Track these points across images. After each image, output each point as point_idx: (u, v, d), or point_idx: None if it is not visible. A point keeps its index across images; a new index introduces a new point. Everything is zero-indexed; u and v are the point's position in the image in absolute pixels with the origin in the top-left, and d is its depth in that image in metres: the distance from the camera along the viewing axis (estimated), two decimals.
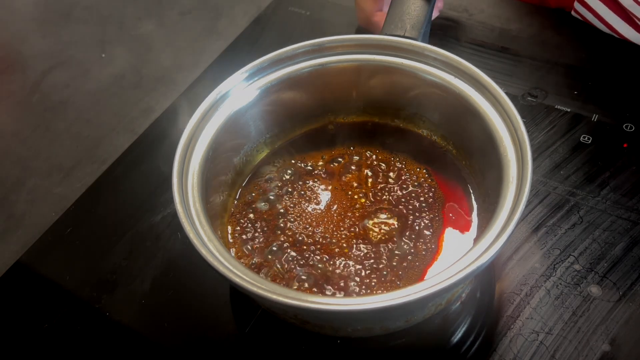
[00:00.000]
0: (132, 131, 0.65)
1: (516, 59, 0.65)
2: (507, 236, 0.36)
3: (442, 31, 0.68)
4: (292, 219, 0.48)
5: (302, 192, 0.50)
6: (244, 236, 0.48)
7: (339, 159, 0.52)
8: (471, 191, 0.48)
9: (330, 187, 0.50)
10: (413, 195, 0.49)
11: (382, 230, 0.47)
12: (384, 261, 0.45)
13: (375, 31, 0.63)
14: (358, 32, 0.68)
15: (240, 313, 0.49)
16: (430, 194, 0.49)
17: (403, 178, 0.50)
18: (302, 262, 0.45)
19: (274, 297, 0.35)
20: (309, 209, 0.49)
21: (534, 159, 0.52)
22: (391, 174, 0.51)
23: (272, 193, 0.50)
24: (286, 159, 0.53)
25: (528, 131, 0.41)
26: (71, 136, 0.67)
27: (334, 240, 0.46)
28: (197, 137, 0.45)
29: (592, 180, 0.53)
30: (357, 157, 0.52)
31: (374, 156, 0.52)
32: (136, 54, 0.77)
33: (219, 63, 0.70)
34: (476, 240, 0.41)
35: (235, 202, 0.50)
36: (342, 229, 0.47)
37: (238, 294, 0.49)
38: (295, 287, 0.44)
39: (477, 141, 0.46)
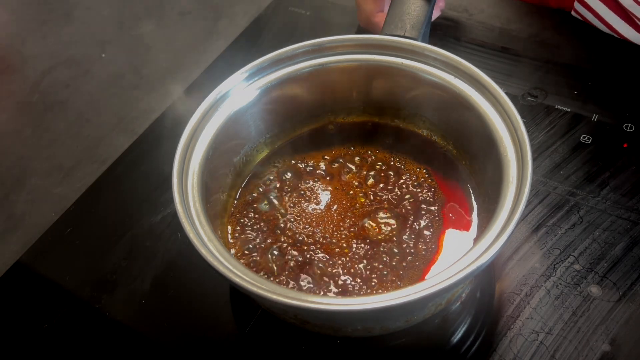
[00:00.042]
0: (132, 131, 0.65)
1: (516, 59, 0.65)
2: (507, 236, 0.36)
3: (442, 31, 0.68)
4: (292, 219, 0.48)
5: (302, 192, 0.50)
6: (243, 236, 0.48)
7: (339, 159, 0.52)
8: (471, 191, 0.48)
9: (330, 187, 0.50)
10: (413, 195, 0.49)
11: (382, 230, 0.47)
12: (384, 261, 0.45)
13: (376, 32, 0.63)
14: (358, 32, 0.68)
15: (240, 313, 0.49)
16: (430, 194, 0.49)
17: (403, 178, 0.50)
18: (302, 262, 0.45)
19: (274, 297, 0.35)
20: (309, 209, 0.49)
21: (534, 159, 0.52)
22: (391, 173, 0.51)
23: (272, 193, 0.50)
24: (286, 159, 0.53)
25: (528, 131, 0.41)
26: (71, 136, 0.67)
27: (334, 240, 0.46)
28: (197, 137, 0.45)
29: (592, 180, 0.53)
30: (357, 157, 0.52)
31: (374, 156, 0.52)
32: (136, 54, 0.77)
33: (219, 63, 0.70)
34: (476, 240, 0.41)
35: (235, 202, 0.50)
36: (342, 228, 0.47)
37: (238, 294, 0.49)
38: (295, 287, 0.44)
39: (477, 141, 0.46)
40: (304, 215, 0.48)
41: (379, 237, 0.46)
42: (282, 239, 0.47)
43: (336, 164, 0.52)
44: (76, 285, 0.52)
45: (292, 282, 0.44)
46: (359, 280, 0.44)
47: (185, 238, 0.38)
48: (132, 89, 0.72)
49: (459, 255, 0.37)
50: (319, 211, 0.49)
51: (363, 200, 0.49)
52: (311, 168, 0.52)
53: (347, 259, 0.45)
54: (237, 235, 0.48)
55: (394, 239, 0.46)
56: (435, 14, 0.65)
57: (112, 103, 0.71)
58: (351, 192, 0.50)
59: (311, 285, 0.44)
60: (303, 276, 0.45)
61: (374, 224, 0.47)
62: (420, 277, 0.44)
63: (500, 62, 0.65)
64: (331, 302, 0.35)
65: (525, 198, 0.37)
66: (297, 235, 0.47)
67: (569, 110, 0.59)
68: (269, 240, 0.47)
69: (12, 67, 0.78)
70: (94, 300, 0.51)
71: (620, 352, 0.43)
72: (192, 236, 0.38)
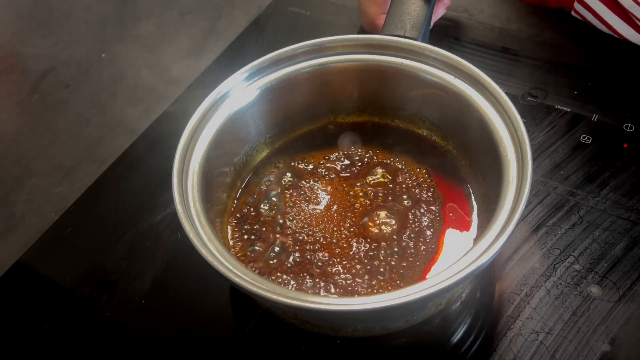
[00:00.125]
0: (132, 131, 0.65)
1: (516, 59, 0.65)
2: (507, 236, 0.36)
3: (442, 31, 0.68)
4: (292, 219, 0.48)
5: (302, 192, 0.50)
6: (244, 236, 0.48)
7: (339, 159, 0.52)
8: (471, 191, 0.48)
9: (330, 187, 0.50)
10: (413, 195, 0.49)
11: (382, 230, 0.47)
12: (384, 261, 0.45)
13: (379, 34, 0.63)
14: (359, 32, 0.68)
15: (240, 313, 0.49)
16: (430, 194, 0.49)
17: (403, 178, 0.50)
18: (302, 262, 0.45)
19: (274, 297, 0.35)
20: (309, 208, 0.49)
21: (534, 159, 0.52)
22: (391, 174, 0.51)
23: (272, 193, 0.50)
24: (286, 159, 0.53)
25: (528, 131, 0.41)
26: (71, 136, 0.67)
27: (334, 240, 0.46)
28: (197, 137, 0.45)
29: (592, 180, 0.53)
30: (357, 157, 0.52)
31: (374, 156, 0.52)
32: (136, 54, 0.77)
33: (219, 63, 0.70)
34: (476, 240, 0.41)
35: (235, 202, 0.50)
36: (342, 228, 0.47)
37: (238, 294, 0.49)
38: (295, 287, 0.44)
39: (477, 141, 0.46)
40: (304, 215, 0.48)
41: (379, 237, 0.46)
42: (282, 239, 0.47)
43: (336, 164, 0.52)
44: (76, 285, 0.52)
45: (292, 282, 0.44)
46: (359, 280, 0.44)
47: (185, 238, 0.38)
48: (132, 89, 0.72)
49: (459, 255, 0.37)
50: (319, 211, 0.49)
51: (363, 200, 0.49)
52: (311, 168, 0.52)
53: (347, 258, 0.45)
54: (237, 235, 0.48)
55: (394, 238, 0.46)
56: (440, 11, 0.65)
57: (112, 103, 0.71)
58: (351, 192, 0.50)
59: (311, 285, 0.44)
60: (303, 276, 0.45)
61: (374, 224, 0.47)
62: (420, 277, 0.44)
63: (500, 62, 0.65)
64: (331, 302, 0.35)
65: (525, 198, 0.37)
66: (297, 235, 0.47)
67: (569, 110, 0.59)
68: (269, 240, 0.47)
69: (12, 67, 0.78)
70: (94, 300, 0.51)
71: (620, 352, 0.43)
72: (192, 236, 0.38)
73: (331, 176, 0.51)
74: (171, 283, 0.51)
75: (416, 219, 0.47)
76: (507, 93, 0.43)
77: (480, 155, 0.46)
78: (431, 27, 0.63)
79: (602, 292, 0.46)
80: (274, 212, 0.49)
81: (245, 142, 0.51)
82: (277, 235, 0.47)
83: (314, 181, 0.51)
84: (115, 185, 0.60)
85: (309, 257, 0.46)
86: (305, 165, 0.52)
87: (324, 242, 0.46)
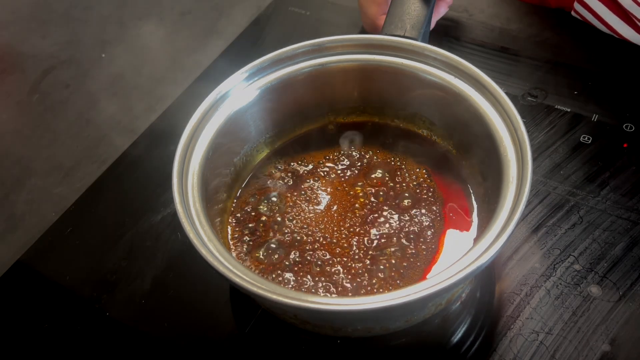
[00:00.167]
0: (132, 131, 0.65)
1: (516, 59, 0.65)
2: (507, 236, 0.36)
3: (442, 31, 0.68)
4: (292, 219, 0.48)
5: (302, 192, 0.50)
6: (244, 236, 0.48)
7: (339, 159, 0.52)
8: (471, 191, 0.48)
9: (330, 187, 0.50)
10: (413, 195, 0.49)
11: (382, 230, 0.47)
12: (384, 261, 0.45)
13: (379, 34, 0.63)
14: (360, 32, 0.68)
15: (240, 313, 0.49)
16: (430, 194, 0.49)
17: (403, 178, 0.50)
18: (302, 262, 0.45)
19: (274, 297, 0.35)
20: (309, 208, 0.49)
21: (534, 159, 0.52)
22: (391, 174, 0.50)
23: (272, 193, 0.50)
24: (286, 159, 0.53)
25: (528, 131, 0.41)
26: (71, 136, 0.67)
27: (334, 240, 0.46)
28: (197, 137, 0.45)
29: (592, 180, 0.53)
30: (357, 157, 0.52)
31: (374, 156, 0.52)
32: (136, 54, 0.77)
33: (219, 63, 0.70)
34: (476, 240, 0.41)
35: (235, 202, 0.50)
36: (342, 228, 0.47)
37: (238, 294, 0.49)
38: (295, 287, 0.44)
39: (477, 141, 0.46)
40: (304, 215, 0.48)
41: (379, 236, 0.46)
42: (282, 239, 0.47)
43: (336, 164, 0.52)
44: (76, 285, 0.52)
45: (292, 282, 0.44)
46: (359, 280, 0.44)
47: (185, 238, 0.38)
48: (132, 89, 0.72)
49: (459, 255, 0.37)
50: (319, 211, 0.49)
51: (363, 200, 0.49)
52: (311, 168, 0.52)
53: (347, 258, 0.45)
54: (237, 235, 0.48)
55: (394, 238, 0.46)
56: (443, 10, 0.64)
57: (112, 103, 0.71)
58: (351, 192, 0.50)
59: (311, 285, 0.44)
60: (303, 276, 0.45)
61: (373, 224, 0.47)
62: (421, 277, 0.44)
63: (500, 62, 0.65)
64: (331, 302, 0.35)
65: (525, 198, 0.37)
66: (297, 235, 0.47)
67: (569, 110, 0.59)
68: (269, 240, 0.47)
69: (12, 67, 0.78)
70: (94, 300, 0.51)
71: (620, 352, 0.43)
72: (192, 236, 0.38)
73: (331, 176, 0.51)
74: (171, 283, 0.51)
75: (416, 219, 0.47)
76: (507, 93, 0.43)
77: (480, 155, 0.46)
78: (433, 26, 0.63)
79: (602, 292, 0.46)
80: (274, 212, 0.49)
81: (245, 142, 0.51)
82: (277, 235, 0.47)
83: (314, 181, 0.51)
84: (115, 185, 0.60)
85: (309, 257, 0.46)
86: (305, 165, 0.52)
87: (324, 242, 0.46)
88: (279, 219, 0.48)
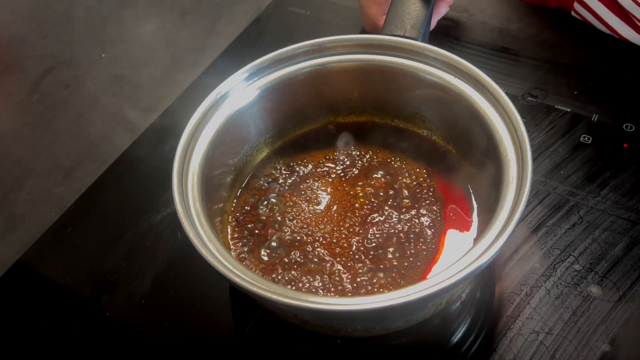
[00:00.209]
0: (132, 131, 0.65)
1: (516, 59, 0.65)
2: (507, 236, 0.36)
3: (442, 31, 0.68)
4: (292, 219, 0.48)
5: (302, 192, 0.50)
6: (243, 236, 0.48)
7: (339, 159, 0.52)
8: (471, 191, 0.48)
9: (330, 187, 0.50)
10: (413, 195, 0.49)
11: (382, 230, 0.47)
12: (384, 261, 0.45)
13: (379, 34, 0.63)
14: (361, 33, 0.68)
15: (240, 313, 0.49)
16: (431, 194, 0.49)
17: (403, 178, 0.50)
18: (302, 262, 0.45)
19: (274, 297, 0.35)
20: (309, 209, 0.49)
21: (534, 159, 0.52)
22: (391, 174, 0.50)
23: (272, 193, 0.50)
24: (286, 159, 0.53)
25: (528, 131, 0.41)
26: (71, 136, 0.67)
27: (334, 240, 0.46)
28: (197, 137, 0.45)
29: (592, 180, 0.53)
30: (357, 157, 0.52)
31: (374, 156, 0.52)
32: (136, 54, 0.77)
33: (219, 63, 0.70)
34: (476, 240, 0.41)
35: (235, 202, 0.50)
36: (342, 228, 0.47)
37: (238, 294, 0.49)
38: (295, 287, 0.44)
39: (477, 141, 0.46)
40: (304, 215, 0.48)
41: (379, 236, 0.46)
42: (282, 239, 0.47)
43: (336, 164, 0.52)
44: (76, 285, 0.52)
45: (292, 282, 0.44)
46: (359, 280, 0.44)
47: (185, 238, 0.38)
48: (132, 89, 0.72)
49: (459, 255, 0.37)
50: (319, 211, 0.49)
51: (363, 200, 0.49)
52: (311, 168, 0.52)
53: (347, 258, 0.45)
54: (237, 235, 0.48)
55: (394, 238, 0.46)
56: (443, 10, 0.64)
57: (112, 103, 0.71)
58: (351, 192, 0.50)
59: (311, 285, 0.44)
60: (303, 276, 0.45)
61: (374, 224, 0.47)
62: (421, 277, 0.44)
63: (500, 62, 0.65)
64: (331, 302, 0.35)
65: (525, 198, 0.37)
66: (297, 235, 0.47)
67: (569, 110, 0.59)
68: (269, 240, 0.47)
69: (12, 67, 0.78)
70: (94, 300, 0.51)
71: (620, 352, 0.43)
72: (192, 236, 0.38)
73: (331, 176, 0.51)
74: (171, 283, 0.51)
75: (416, 219, 0.47)
76: (507, 93, 0.43)
77: (480, 155, 0.46)
78: (434, 26, 0.63)
79: (602, 292, 0.46)
80: (273, 212, 0.49)
81: (245, 142, 0.51)
82: (277, 235, 0.47)
83: (314, 181, 0.51)
84: (115, 185, 0.60)
85: (309, 257, 0.46)
86: (305, 165, 0.52)
87: (324, 242, 0.46)
88: (278, 218, 0.48)
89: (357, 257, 0.45)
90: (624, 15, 0.62)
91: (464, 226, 0.47)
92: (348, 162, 0.52)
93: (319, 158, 0.53)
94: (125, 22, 0.82)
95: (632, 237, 0.49)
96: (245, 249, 0.47)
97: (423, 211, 0.48)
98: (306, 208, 0.49)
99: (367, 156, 0.52)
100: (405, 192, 0.49)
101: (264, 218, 0.49)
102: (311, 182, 0.51)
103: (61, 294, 0.52)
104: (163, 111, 0.66)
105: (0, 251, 0.56)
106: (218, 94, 0.47)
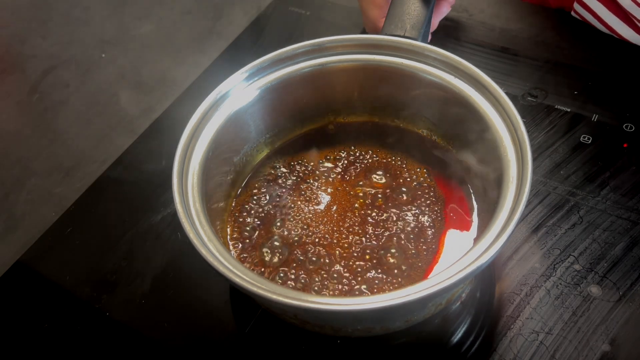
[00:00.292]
0: (132, 131, 0.65)
1: (516, 59, 0.65)
2: (507, 236, 0.36)
3: (442, 31, 0.68)
4: (292, 219, 0.48)
5: (302, 192, 0.50)
6: (243, 236, 0.48)
7: (339, 159, 0.52)
8: (471, 191, 0.48)
9: (330, 187, 0.50)
10: (413, 195, 0.49)
11: (382, 230, 0.47)
12: (384, 261, 0.45)
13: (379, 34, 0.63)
14: (361, 33, 0.68)
15: (240, 313, 0.49)
16: (431, 194, 0.49)
17: (403, 178, 0.50)
18: (302, 262, 0.45)
19: (274, 297, 0.35)
20: (309, 208, 0.49)
21: (534, 159, 0.52)
22: (391, 173, 0.50)
23: (272, 193, 0.50)
24: (286, 159, 0.53)
25: (528, 131, 0.41)
26: (71, 136, 0.67)
27: (334, 240, 0.46)
28: (197, 137, 0.45)
29: (592, 180, 0.53)
30: (357, 157, 0.52)
31: (374, 156, 0.52)
32: (136, 54, 0.77)
33: (219, 63, 0.70)
34: (476, 240, 0.41)
35: (235, 201, 0.50)
36: (342, 228, 0.47)
37: (238, 294, 0.49)
38: (295, 286, 0.44)
39: (477, 141, 0.46)
40: (304, 215, 0.48)
41: (379, 236, 0.46)
42: (282, 239, 0.47)
43: (336, 164, 0.52)
44: (76, 285, 0.52)
45: (292, 282, 0.44)
46: (359, 280, 0.44)
47: (185, 238, 0.38)
48: (132, 89, 0.72)
49: (459, 255, 0.37)
50: (319, 211, 0.49)
51: (363, 200, 0.49)
52: (311, 168, 0.52)
53: (347, 258, 0.45)
54: (237, 235, 0.48)
55: (395, 238, 0.46)
56: (445, 10, 0.64)
57: (112, 103, 0.71)
58: (351, 192, 0.50)
59: (311, 285, 0.44)
60: (303, 276, 0.45)
61: (374, 224, 0.47)
62: (421, 277, 0.44)
63: (500, 62, 0.65)
64: (331, 302, 0.35)
65: (525, 198, 0.37)
66: (297, 235, 0.47)
67: (569, 110, 0.59)
68: (269, 240, 0.47)
69: (12, 67, 0.78)
70: (94, 300, 0.51)
71: (620, 352, 0.43)
72: (192, 236, 0.38)
73: (331, 176, 0.51)
74: (171, 283, 0.51)
75: (416, 219, 0.47)
76: (507, 93, 0.43)
77: (480, 155, 0.46)
78: (436, 26, 0.63)
79: (602, 292, 0.46)
80: (274, 212, 0.49)
81: (245, 142, 0.51)
82: (277, 235, 0.47)
83: (314, 181, 0.51)
84: (115, 185, 0.60)
85: (309, 256, 0.46)
86: (306, 165, 0.52)
87: (324, 242, 0.46)
88: (279, 218, 0.48)
89: (357, 256, 0.45)
90: (624, 15, 0.62)
91: (464, 226, 0.47)
92: (348, 162, 0.52)
93: (319, 158, 0.53)
94: (125, 22, 0.82)
95: (632, 237, 0.49)
96: (246, 249, 0.47)
97: (423, 211, 0.48)
98: (306, 208, 0.49)
99: (367, 156, 0.52)
100: (406, 192, 0.49)
101: (264, 218, 0.49)
102: (311, 182, 0.51)
103: (61, 294, 0.52)
104: (163, 111, 0.66)
105: (0, 251, 0.56)
106: (218, 94, 0.47)
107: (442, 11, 0.64)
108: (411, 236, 0.46)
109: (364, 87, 0.52)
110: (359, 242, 0.46)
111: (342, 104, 0.54)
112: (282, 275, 0.45)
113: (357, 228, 0.47)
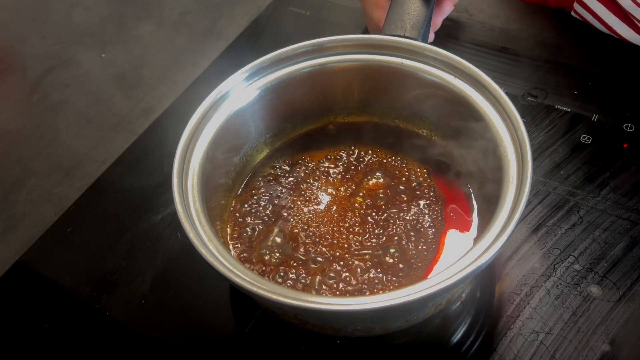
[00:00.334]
0: (132, 131, 0.65)
1: (516, 59, 0.65)
2: (507, 236, 0.36)
3: (442, 31, 0.68)
4: (292, 219, 0.48)
5: (302, 192, 0.50)
6: (243, 236, 0.48)
7: (339, 159, 0.52)
8: (471, 191, 0.48)
9: (330, 187, 0.50)
10: (413, 195, 0.49)
11: (382, 230, 0.47)
12: (384, 261, 0.45)
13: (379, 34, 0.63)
14: (364, 33, 0.68)
15: (240, 313, 0.49)
16: (431, 194, 0.49)
17: (403, 178, 0.50)
18: (302, 262, 0.45)
19: (274, 297, 0.35)
20: (309, 208, 0.49)
21: (534, 159, 0.52)
22: (391, 173, 0.50)
23: (272, 193, 0.50)
24: (286, 159, 0.53)
25: (528, 131, 0.41)
26: (71, 136, 0.67)
27: (334, 240, 0.46)
28: (197, 137, 0.45)
29: (592, 180, 0.53)
30: (358, 157, 0.52)
31: (374, 156, 0.52)
32: (136, 54, 0.77)
33: (219, 63, 0.70)
34: (476, 240, 0.41)
35: (235, 201, 0.50)
36: (342, 228, 0.47)
37: (238, 294, 0.49)
38: (295, 287, 0.44)
39: (477, 141, 0.46)
40: (304, 215, 0.48)
41: (379, 236, 0.46)
42: (282, 239, 0.47)
43: (336, 164, 0.52)
44: (76, 285, 0.52)
45: (292, 282, 0.44)
46: (359, 279, 0.44)
47: (185, 238, 0.38)
48: (132, 89, 0.72)
49: (459, 255, 0.37)
50: (319, 211, 0.49)
51: (363, 200, 0.49)
52: (311, 168, 0.52)
53: (348, 258, 0.45)
54: (236, 235, 0.48)
55: (395, 238, 0.46)
56: (448, 9, 0.63)
57: (112, 103, 0.71)
58: (351, 192, 0.50)
59: (311, 285, 0.44)
60: (303, 275, 0.45)
61: (374, 224, 0.47)
62: (422, 277, 0.44)
63: (500, 62, 0.65)
64: (331, 302, 0.35)
65: (525, 198, 0.37)
66: (297, 235, 0.47)
67: (569, 110, 0.59)
68: (269, 240, 0.47)
69: (12, 67, 0.78)
70: (94, 300, 0.51)
71: (620, 352, 0.43)
72: (192, 236, 0.38)
73: (331, 176, 0.51)
74: (171, 283, 0.51)
75: (416, 219, 0.47)
76: (507, 93, 0.43)
77: (480, 155, 0.46)
78: (439, 25, 0.63)
79: (602, 292, 0.46)
80: (273, 211, 0.49)
81: (245, 142, 0.51)
82: (277, 235, 0.47)
83: (314, 181, 0.51)
84: (115, 185, 0.60)
85: (309, 256, 0.46)
86: (305, 166, 0.52)
87: (324, 242, 0.46)
88: (278, 218, 0.48)
89: (357, 256, 0.45)
90: (624, 15, 0.62)
91: (464, 226, 0.47)
92: (348, 162, 0.52)
93: (319, 158, 0.53)
94: (125, 22, 0.82)
95: (632, 237, 0.49)
96: (245, 249, 0.47)
97: (423, 211, 0.48)
98: (306, 208, 0.49)
99: (367, 156, 0.52)
100: (406, 192, 0.49)
101: (264, 218, 0.49)
102: (311, 182, 0.51)
103: (61, 294, 0.52)
104: (163, 111, 0.66)
105: (0, 251, 0.56)
106: (218, 94, 0.47)
107: (445, 10, 0.64)
108: (411, 236, 0.46)
109: (364, 87, 0.52)
110: (359, 242, 0.46)
111: (342, 104, 0.54)
112: (282, 275, 0.45)
113: (357, 228, 0.47)
